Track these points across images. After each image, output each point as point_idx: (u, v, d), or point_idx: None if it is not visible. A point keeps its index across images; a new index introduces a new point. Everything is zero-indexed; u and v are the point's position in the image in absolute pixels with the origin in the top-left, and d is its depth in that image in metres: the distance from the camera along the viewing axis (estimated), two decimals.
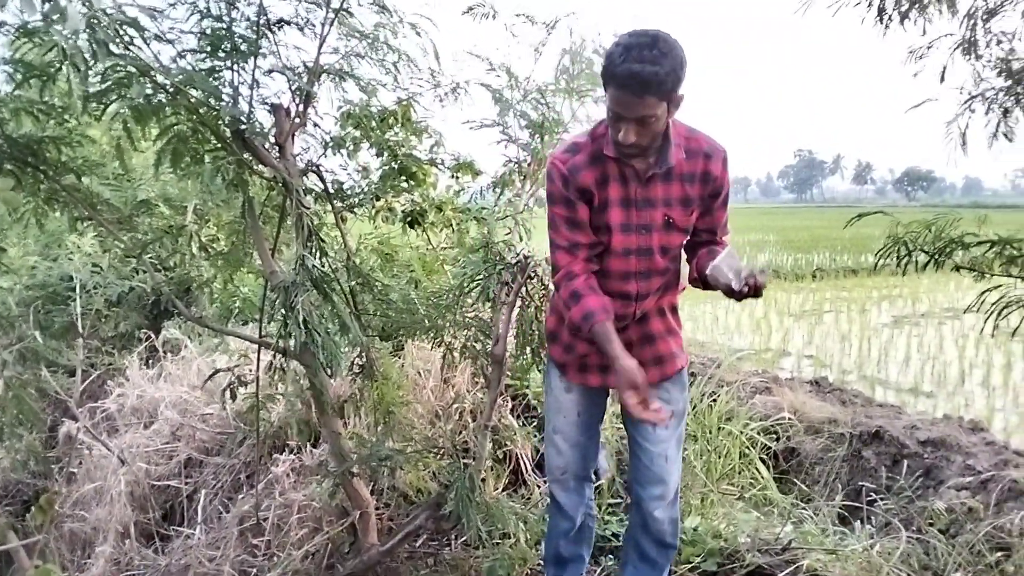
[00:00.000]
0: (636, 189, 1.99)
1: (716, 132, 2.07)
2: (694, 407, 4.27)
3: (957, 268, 2.29)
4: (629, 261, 2.04)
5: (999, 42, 2.50)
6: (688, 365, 2.27)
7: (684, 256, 2.22)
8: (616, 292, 2.07)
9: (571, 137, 2.09)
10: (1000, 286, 2.18)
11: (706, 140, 2.03)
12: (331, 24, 2.32)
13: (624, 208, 2.00)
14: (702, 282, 2.10)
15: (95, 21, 1.62)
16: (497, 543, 2.92)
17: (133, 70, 1.81)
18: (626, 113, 1.81)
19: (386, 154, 2.82)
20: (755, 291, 1.89)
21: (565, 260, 2.05)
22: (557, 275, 2.08)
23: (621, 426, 3.30)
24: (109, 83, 1.82)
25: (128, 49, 1.80)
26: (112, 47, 1.70)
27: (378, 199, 2.90)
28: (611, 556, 2.94)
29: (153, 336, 5.15)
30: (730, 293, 1.91)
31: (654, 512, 2.22)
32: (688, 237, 2.13)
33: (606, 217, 2.01)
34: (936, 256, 2.25)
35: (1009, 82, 2.48)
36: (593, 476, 2.51)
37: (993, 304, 2.16)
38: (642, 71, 1.73)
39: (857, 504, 3.62)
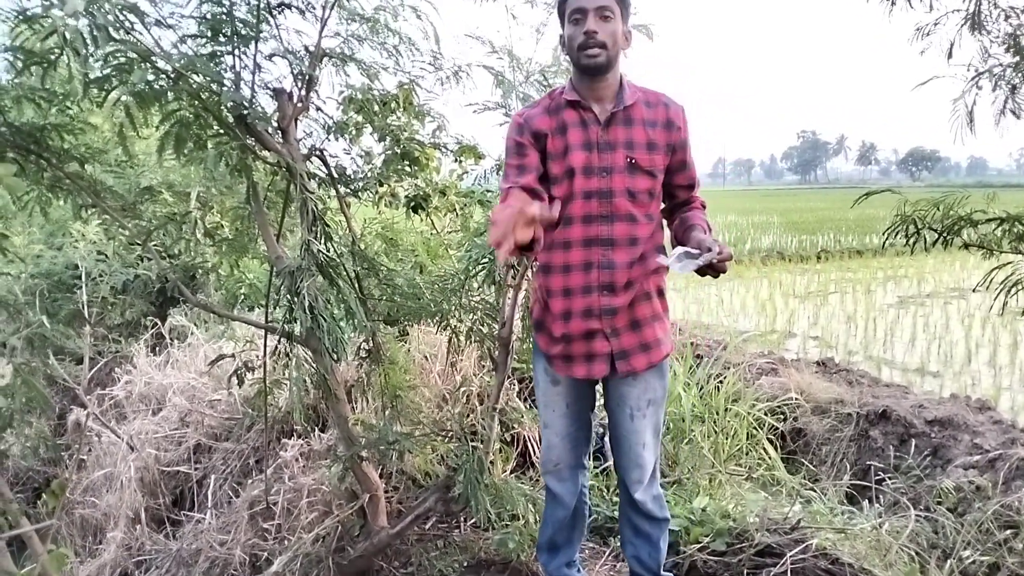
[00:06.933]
0: (597, 132, 2.05)
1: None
2: (701, 388, 4.27)
3: (966, 246, 2.27)
4: (591, 204, 2.06)
5: (1007, 17, 2.46)
6: (672, 352, 2.28)
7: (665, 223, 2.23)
8: (581, 238, 2.08)
9: None
10: (1009, 264, 2.17)
11: (663, 94, 2.14)
12: (332, 7, 2.30)
13: (586, 151, 2.05)
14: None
15: (94, 6, 1.61)
16: (506, 524, 2.93)
17: (134, 55, 1.80)
18: (587, 3, 1.94)
19: (388, 139, 2.80)
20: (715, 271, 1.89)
21: (506, 186, 2.05)
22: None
23: None
24: (110, 69, 1.81)
25: (128, 34, 1.79)
26: (112, 32, 1.69)
27: (381, 185, 2.89)
28: (619, 536, 2.95)
29: (159, 323, 5.17)
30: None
31: (635, 494, 2.28)
32: (656, 183, 2.11)
33: (569, 160, 2.05)
34: (945, 234, 2.24)
35: (1017, 58, 2.44)
36: (589, 462, 2.53)
37: (1002, 283, 2.15)
38: None
39: (865, 483, 3.63)
